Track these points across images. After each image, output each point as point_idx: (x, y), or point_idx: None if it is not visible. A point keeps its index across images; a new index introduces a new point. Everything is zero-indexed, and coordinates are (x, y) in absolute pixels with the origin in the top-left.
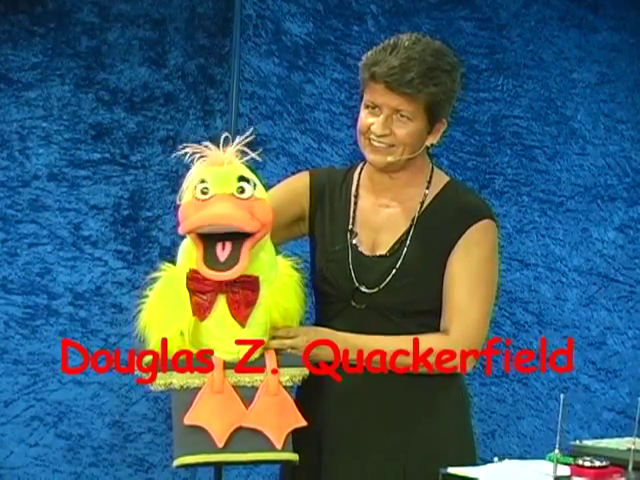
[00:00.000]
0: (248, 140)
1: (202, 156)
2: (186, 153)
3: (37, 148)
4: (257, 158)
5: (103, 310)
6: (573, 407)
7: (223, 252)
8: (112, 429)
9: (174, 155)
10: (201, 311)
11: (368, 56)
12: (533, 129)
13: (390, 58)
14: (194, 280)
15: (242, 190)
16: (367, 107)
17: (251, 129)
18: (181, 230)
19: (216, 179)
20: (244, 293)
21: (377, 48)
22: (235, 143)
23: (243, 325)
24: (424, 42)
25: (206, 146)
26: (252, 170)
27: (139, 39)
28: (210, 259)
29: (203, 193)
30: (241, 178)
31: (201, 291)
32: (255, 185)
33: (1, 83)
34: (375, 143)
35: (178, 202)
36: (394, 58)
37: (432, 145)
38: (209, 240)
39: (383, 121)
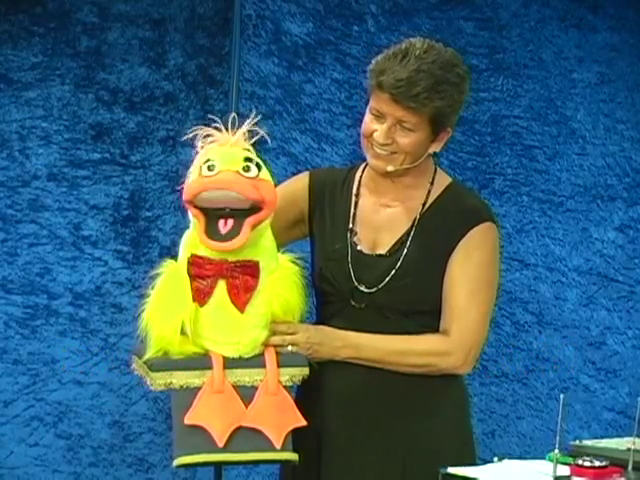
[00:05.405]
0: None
1: (210, 136)
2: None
3: (37, 148)
4: (265, 135)
5: (103, 310)
6: (573, 407)
7: (225, 227)
8: (112, 429)
9: (188, 135)
10: (201, 296)
11: (377, 61)
12: (533, 129)
13: (398, 68)
14: (195, 265)
15: (248, 169)
16: (372, 113)
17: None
18: (184, 197)
19: (223, 157)
20: (244, 279)
21: (387, 53)
22: (243, 126)
23: (242, 311)
24: (436, 52)
25: (216, 128)
26: (259, 156)
27: (139, 39)
28: (212, 231)
29: (209, 170)
30: (248, 159)
31: (201, 276)
32: (260, 168)
33: (1, 83)
34: (377, 150)
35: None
36: (403, 69)
37: (435, 153)
38: (211, 215)
39: (386, 130)
